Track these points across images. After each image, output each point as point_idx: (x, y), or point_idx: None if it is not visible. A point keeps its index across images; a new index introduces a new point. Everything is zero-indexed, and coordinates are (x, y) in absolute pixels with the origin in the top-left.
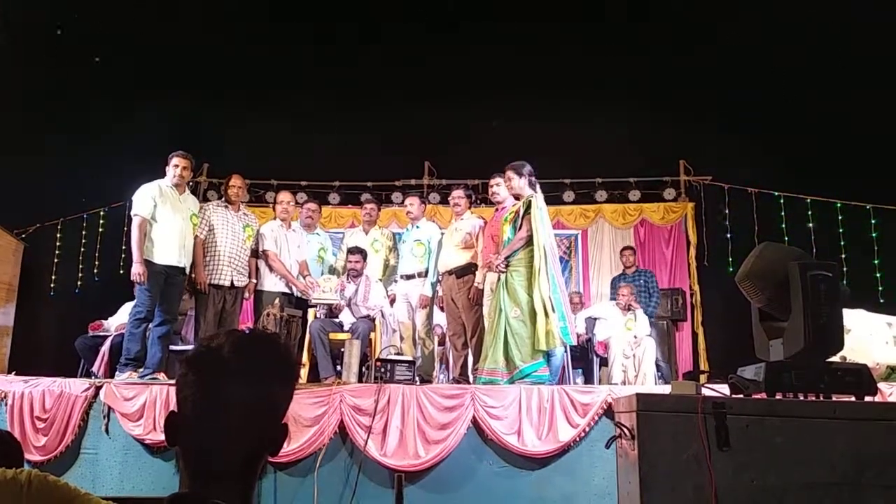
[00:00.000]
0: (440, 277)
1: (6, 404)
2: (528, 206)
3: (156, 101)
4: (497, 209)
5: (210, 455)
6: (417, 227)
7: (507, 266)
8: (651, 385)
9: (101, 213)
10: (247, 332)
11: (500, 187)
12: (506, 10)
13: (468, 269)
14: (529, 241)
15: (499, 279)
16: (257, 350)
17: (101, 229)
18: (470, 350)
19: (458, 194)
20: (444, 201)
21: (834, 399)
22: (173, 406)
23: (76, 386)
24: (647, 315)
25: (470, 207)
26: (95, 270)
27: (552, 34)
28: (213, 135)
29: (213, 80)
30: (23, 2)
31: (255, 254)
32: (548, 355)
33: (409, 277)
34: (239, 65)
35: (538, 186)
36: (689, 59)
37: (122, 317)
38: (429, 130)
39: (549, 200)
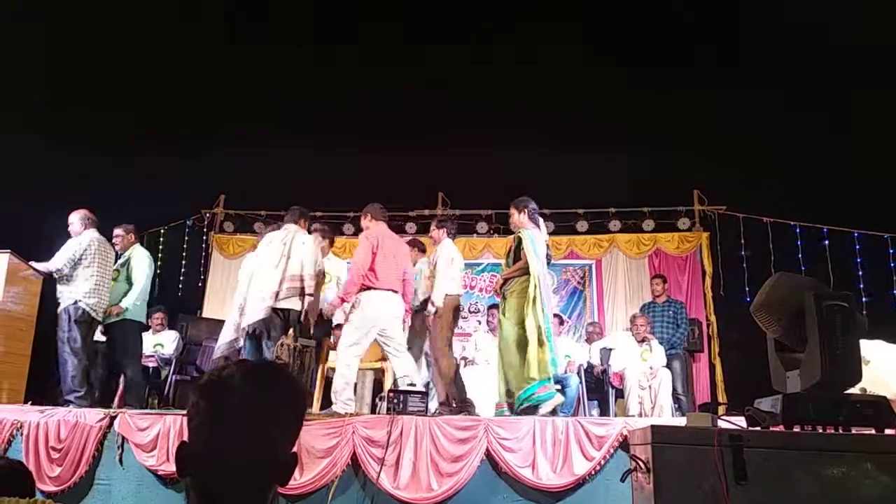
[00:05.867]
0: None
1: (22, 434)
2: (520, 241)
3: (166, 132)
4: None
5: (220, 484)
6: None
7: (503, 296)
8: (668, 417)
9: None
10: (257, 361)
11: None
12: (523, 37)
13: (426, 301)
14: (525, 272)
15: (499, 313)
16: (267, 379)
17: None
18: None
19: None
20: (459, 232)
21: (853, 432)
22: (184, 437)
23: (91, 416)
24: (672, 345)
25: (451, 236)
26: None
27: (567, 65)
28: (228, 166)
29: (226, 108)
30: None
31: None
32: (562, 385)
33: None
34: (251, 92)
35: (540, 221)
36: (702, 90)
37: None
38: (443, 161)
39: (563, 230)
